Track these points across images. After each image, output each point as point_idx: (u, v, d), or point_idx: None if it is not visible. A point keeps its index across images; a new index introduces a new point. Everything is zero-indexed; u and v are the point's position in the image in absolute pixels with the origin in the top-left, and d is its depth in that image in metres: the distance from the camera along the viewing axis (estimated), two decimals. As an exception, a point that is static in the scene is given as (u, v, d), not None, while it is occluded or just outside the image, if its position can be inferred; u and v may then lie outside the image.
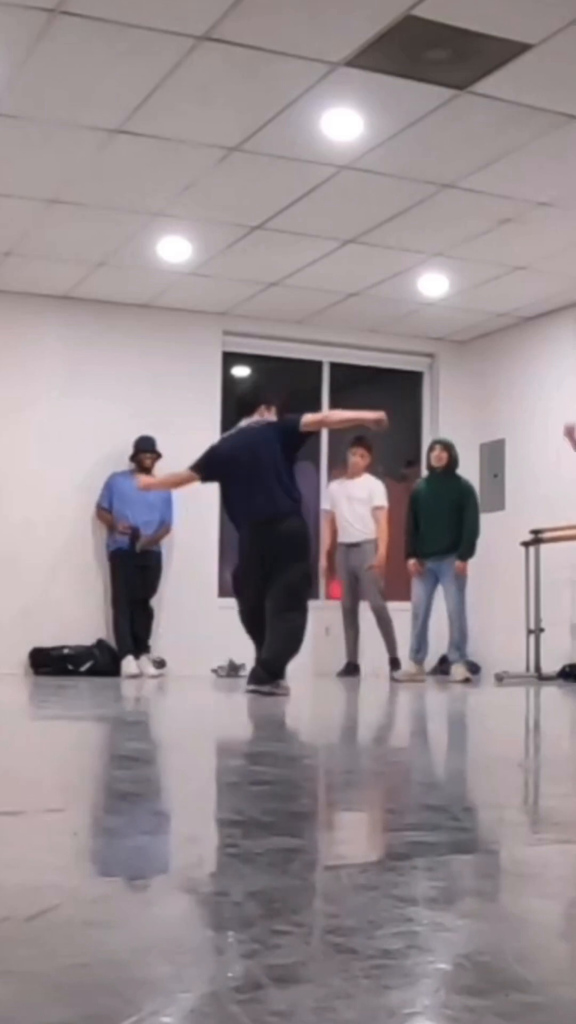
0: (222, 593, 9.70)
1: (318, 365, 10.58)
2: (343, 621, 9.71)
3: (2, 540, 9.27)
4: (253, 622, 6.81)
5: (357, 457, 9.79)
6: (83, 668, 9.16)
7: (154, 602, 9.53)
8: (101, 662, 9.23)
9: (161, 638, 9.51)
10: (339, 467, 10.35)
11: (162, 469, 9.49)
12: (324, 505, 10.01)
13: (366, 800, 2.92)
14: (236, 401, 7.51)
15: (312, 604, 9.96)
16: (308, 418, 6.98)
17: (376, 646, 9.63)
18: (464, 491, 9.06)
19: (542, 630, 9.17)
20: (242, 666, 8.75)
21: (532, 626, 9.23)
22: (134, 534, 9.34)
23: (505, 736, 4.97)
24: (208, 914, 1.62)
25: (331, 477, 10.39)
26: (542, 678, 9.00)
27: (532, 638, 9.20)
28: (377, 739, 5.09)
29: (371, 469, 9.80)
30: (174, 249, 8.46)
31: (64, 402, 9.56)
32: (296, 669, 6.85)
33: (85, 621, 9.39)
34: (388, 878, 1.81)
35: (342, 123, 6.37)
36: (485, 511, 10.52)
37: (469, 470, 10.61)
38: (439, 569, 8.97)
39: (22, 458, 9.41)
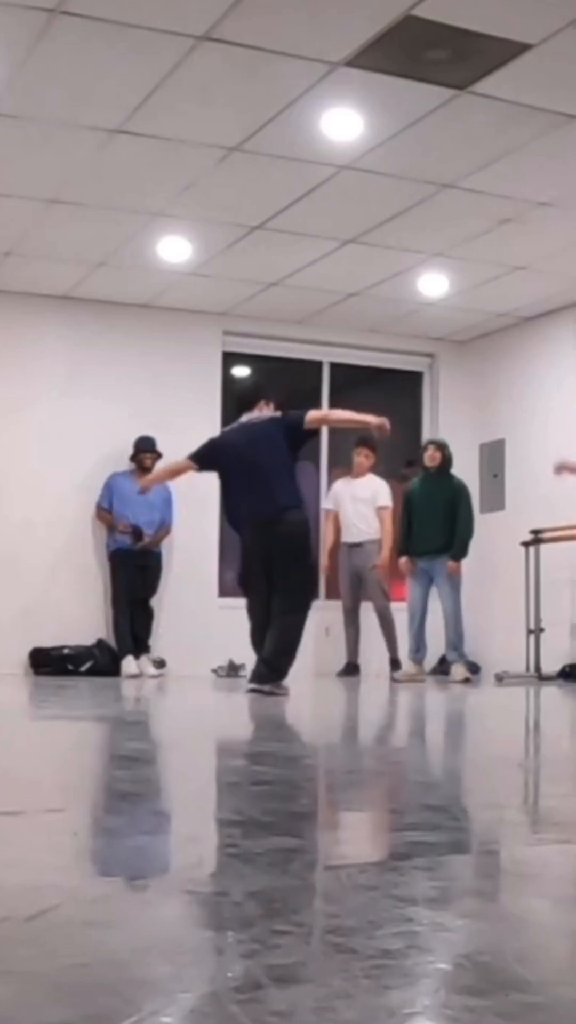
0: (222, 593, 9.71)
1: (318, 365, 10.58)
2: (344, 621, 9.71)
3: (2, 540, 9.27)
4: (263, 618, 6.76)
5: (362, 457, 9.80)
6: (83, 668, 9.16)
7: (154, 602, 9.53)
8: (101, 662, 9.23)
9: (161, 638, 9.51)
10: (339, 467, 10.35)
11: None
12: (327, 504, 10.01)
13: (366, 800, 2.92)
14: (236, 398, 7.51)
15: (312, 604, 9.99)
16: (313, 414, 6.99)
17: (376, 646, 9.64)
18: (457, 491, 9.05)
19: (542, 630, 9.17)
20: (242, 666, 8.75)
21: (532, 626, 9.24)
22: (135, 533, 9.34)
23: (505, 736, 4.97)
24: (208, 914, 1.62)
25: (331, 477, 10.39)
26: (542, 678, 9.01)
27: (532, 638, 9.20)
28: (377, 739, 5.09)
29: (375, 469, 9.80)
30: (174, 249, 8.46)
31: (64, 402, 9.57)
32: (296, 669, 6.84)
33: (85, 621, 9.39)
34: (388, 878, 1.81)
35: (342, 123, 6.37)
36: (485, 511, 10.53)
37: (469, 470, 10.62)
38: (432, 569, 8.96)
39: (22, 458, 9.41)
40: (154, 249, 8.45)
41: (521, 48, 5.51)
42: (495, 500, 10.54)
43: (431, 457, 9.13)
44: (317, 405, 10.41)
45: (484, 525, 10.46)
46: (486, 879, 1.94)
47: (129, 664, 9.16)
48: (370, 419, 7.04)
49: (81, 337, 9.65)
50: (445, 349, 10.91)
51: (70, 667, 9.14)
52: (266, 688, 6.52)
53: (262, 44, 5.52)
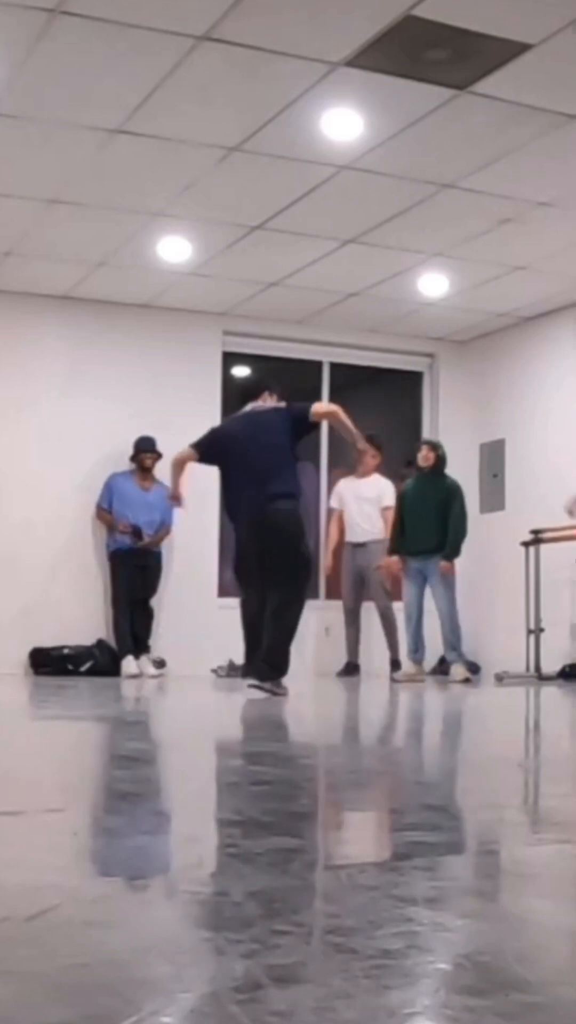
0: (222, 593, 9.70)
1: (318, 365, 10.58)
2: (344, 620, 9.71)
3: (2, 540, 9.28)
4: (257, 612, 6.75)
5: (367, 456, 9.80)
6: (83, 668, 9.16)
7: (154, 602, 9.53)
8: (101, 662, 9.23)
9: (161, 638, 9.52)
10: (339, 467, 10.36)
11: (162, 469, 9.50)
12: (332, 503, 10.00)
13: (366, 800, 2.92)
14: (239, 389, 7.44)
15: (312, 604, 9.99)
16: (319, 407, 6.95)
17: (377, 646, 9.64)
18: (451, 491, 9.04)
19: (542, 630, 9.17)
20: (242, 666, 8.75)
21: (532, 626, 9.24)
22: (134, 533, 9.34)
23: (505, 736, 4.97)
24: (208, 914, 1.62)
25: (331, 477, 10.39)
26: (542, 678, 9.01)
27: (532, 638, 9.20)
28: (377, 739, 5.09)
29: (380, 469, 9.80)
30: (174, 249, 8.46)
31: (64, 402, 9.57)
32: (296, 669, 6.84)
33: (85, 621, 9.39)
34: (388, 878, 1.81)
35: (342, 123, 6.37)
36: (485, 511, 10.54)
37: (469, 470, 10.63)
38: (426, 569, 8.95)
39: (22, 458, 9.41)
40: (154, 249, 8.45)
41: (521, 48, 5.51)
42: (495, 500, 10.54)
43: (425, 457, 9.12)
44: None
45: (484, 525, 10.46)
46: (486, 879, 1.94)
47: (129, 664, 9.16)
48: (356, 436, 7.03)
49: (81, 337, 9.65)
50: (445, 349, 10.91)
51: (70, 667, 9.15)
52: (267, 686, 6.51)
53: (262, 44, 5.52)
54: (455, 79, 5.84)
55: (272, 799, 2.73)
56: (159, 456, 9.45)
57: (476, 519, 10.45)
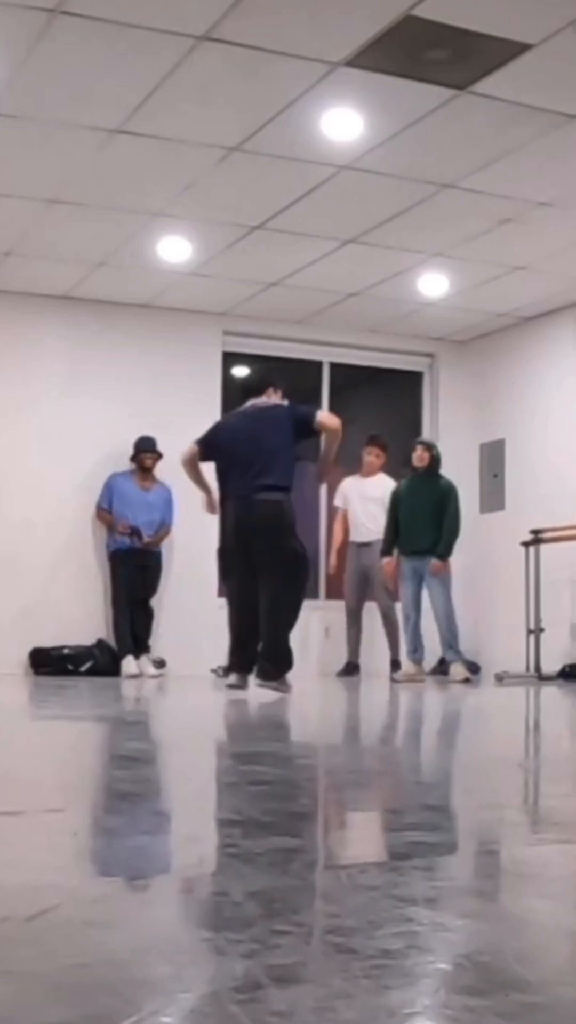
0: (222, 593, 9.68)
1: (318, 365, 10.58)
2: (346, 620, 9.70)
3: (2, 540, 9.28)
4: (242, 601, 6.71)
5: (372, 456, 9.81)
6: (83, 668, 9.16)
7: (154, 602, 9.53)
8: (101, 662, 9.23)
9: (161, 638, 9.52)
10: (339, 467, 10.34)
11: (162, 469, 9.50)
12: (337, 502, 10.00)
13: (366, 800, 2.92)
14: (241, 385, 7.36)
15: (312, 604, 9.99)
16: (324, 419, 6.82)
17: (377, 647, 9.64)
18: (446, 491, 9.03)
19: (542, 630, 9.17)
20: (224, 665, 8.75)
21: (532, 626, 9.24)
22: (133, 534, 9.35)
23: (505, 736, 4.97)
24: (208, 914, 1.62)
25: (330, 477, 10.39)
26: (542, 678, 9.01)
27: (532, 638, 9.20)
28: (377, 739, 5.09)
29: (385, 468, 9.79)
30: (174, 249, 8.46)
31: (64, 402, 9.57)
32: (296, 669, 6.84)
33: (85, 621, 9.39)
34: (388, 878, 1.81)
35: (342, 123, 6.37)
36: (485, 511, 10.54)
37: (469, 470, 10.63)
38: (422, 569, 8.95)
39: (22, 458, 9.42)
40: (154, 249, 8.45)
41: (521, 48, 5.51)
42: (495, 500, 10.54)
43: (420, 457, 9.12)
44: (317, 405, 10.42)
45: (484, 525, 10.47)
46: (486, 879, 1.94)
47: (129, 664, 9.16)
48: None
49: (81, 337, 9.65)
50: (445, 349, 10.91)
51: (70, 667, 9.15)
52: (271, 684, 6.53)
53: (262, 44, 5.52)
54: (455, 79, 5.84)
55: (272, 799, 2.73)
56: (159, 456, 9.46)
57: (476, 519, 10.46)
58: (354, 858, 2.13)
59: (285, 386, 7.09)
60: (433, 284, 9.22)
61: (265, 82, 5.90)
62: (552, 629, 9.20)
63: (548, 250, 8.38)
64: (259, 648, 6.66)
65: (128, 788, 2.93)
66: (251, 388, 7.04)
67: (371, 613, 9.71)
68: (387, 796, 2.96)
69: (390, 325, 10.35)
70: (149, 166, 6.94)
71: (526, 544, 9.46)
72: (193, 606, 9.64)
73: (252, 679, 6.72)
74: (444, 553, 8.89)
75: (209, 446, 6.89)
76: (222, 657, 9.25)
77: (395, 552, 9.16)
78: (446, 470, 9.64)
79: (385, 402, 11.49)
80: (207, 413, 9.78)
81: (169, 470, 9.42)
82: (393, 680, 9.01)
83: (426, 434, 10.61)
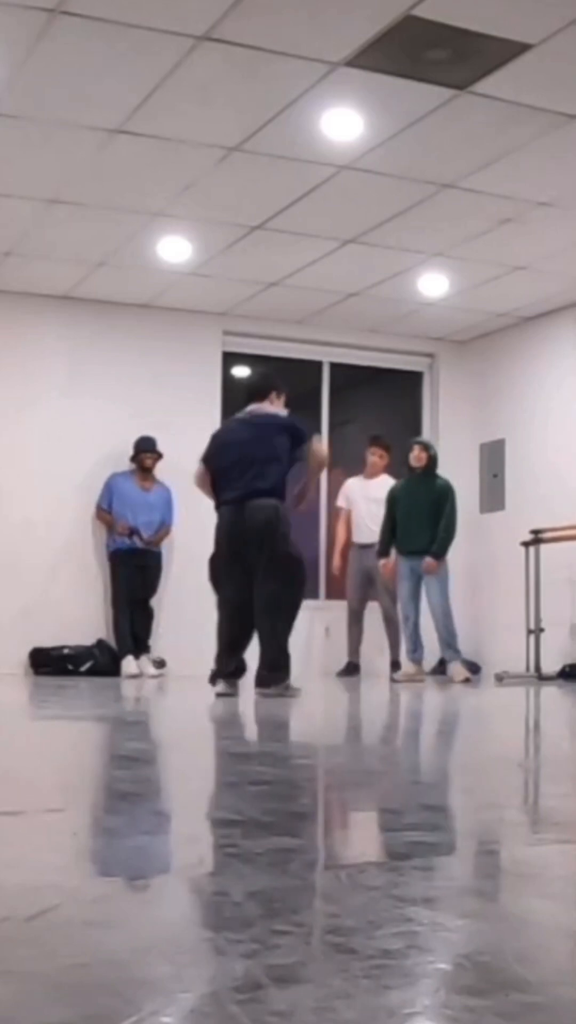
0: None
1: (318, 365, 10.58)
2: (348, 620, 9.70)
3: (2, 540, 9.28)
4: (233, 608, 6.70)
5: (376, 457, 9.81)
6: (83, 668, 9.16)
7: (154, 602, 9.53)
8: (101, 662, 9.23)
9: (161, 638, 9.52)
10: (339, 467, 10.35)
11: (162, 469, 9.51)
12: (340, 503, 10.00)
13: (366, 800, 2.92)
14: (245, 386, 7.28)
15: (312, 604, 10.00)
16: (315, 445, 6.77)
17: (378, 647, 9.64)
18: (443, 491, 9.03)
19: (542, 630, 9.18)
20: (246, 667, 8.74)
21: (532, 626, 9.24)
22: (132, 535, 9.35)
23: (505, 736, 4.97)
24: (208, 914, 1.62)
25: (330, 476, 10.39)
26: (542, 678, 9.01)
27: (532, 638, 9.20)
28: (377, 739, 5.09)
29: (389, 469, 9.78)
30: (174, 249, 8.46)
31: (64, 402, 9.57)
32: (296, 669, 6.84)
33: (85, 621, 9.39)
34: (388, 878, 1.81)
35: (342, 123, 6.37)
36: (485, 511, 10.54)
37: (469, 470, 10.63)
38: (419, 568, 8.95)
39: (22, 458, 9.42)
40: (154, 249, 8.45)
41: (521, 48, 5.51)
42: (495, 500, 10.54)
43: (417, 457, 9.12)
44: (317, 405, 10.44)
45: (484, 525, 10.47)
46: (486, 879, 1.94)
47: (129, 664, 9.16)
48: (301, 497, 6.88)
49: (81, 337, 9.65)
50: (445, 349, 10.91)
51: (70, 667, 9.15)
52: (271, 691, 6.49)
53: (262, 44, 5.52)
54: (455, 79, 5.84)
55: (272, 799, 2.73)
56: (159, 456, 9.47)
57: (476, 519, 10.47)
58: (354, 858, 2.13)
59: (288, 391, 7.08)
60: (433, 284, 9.22)
61: (265, 82, 5.91)
62: (552, 629, 9.20)
63: (548, 250, 8.38)
64: (259, 655, 6.64)
65: (128, 788, 2.93)
66: (254, 391, 7.00)
67: (372, 614, 9.71)
68: (387, 796, 2.96)
69: (390, 325, 10.35)
70: (149, 166, 6.94)
71: (526, 544, 9.46)
72: (193, 606, 9.61)
73: (254, 689, 6.68)
74: (439, 552, 8.89)
75: (212, 459, 6.90)
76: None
77: (392, 552, 9.16)
78: (446, 470, 9.63)
79: (385, 402, 11.49)
80: (207, 413, 9.80)
81: (169, 470, 9.44)
82: (393, 680, 9.01)
83: (426, 434, 10.61)
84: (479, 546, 10.41)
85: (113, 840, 2.18)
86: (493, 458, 10.62)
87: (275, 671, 6.56)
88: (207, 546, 6.92)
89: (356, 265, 8.74)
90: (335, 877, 1.87)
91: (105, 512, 9.48)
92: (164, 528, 9.55)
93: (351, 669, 9.61)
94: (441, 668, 9.38)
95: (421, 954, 1.38)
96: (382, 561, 9.17)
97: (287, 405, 7.02)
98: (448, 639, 8.92)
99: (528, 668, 9.17)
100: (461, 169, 6.95)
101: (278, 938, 1.41)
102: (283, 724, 5.41)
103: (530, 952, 1.42)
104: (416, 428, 10.85)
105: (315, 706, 6.73)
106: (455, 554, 9.30)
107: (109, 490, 9.50)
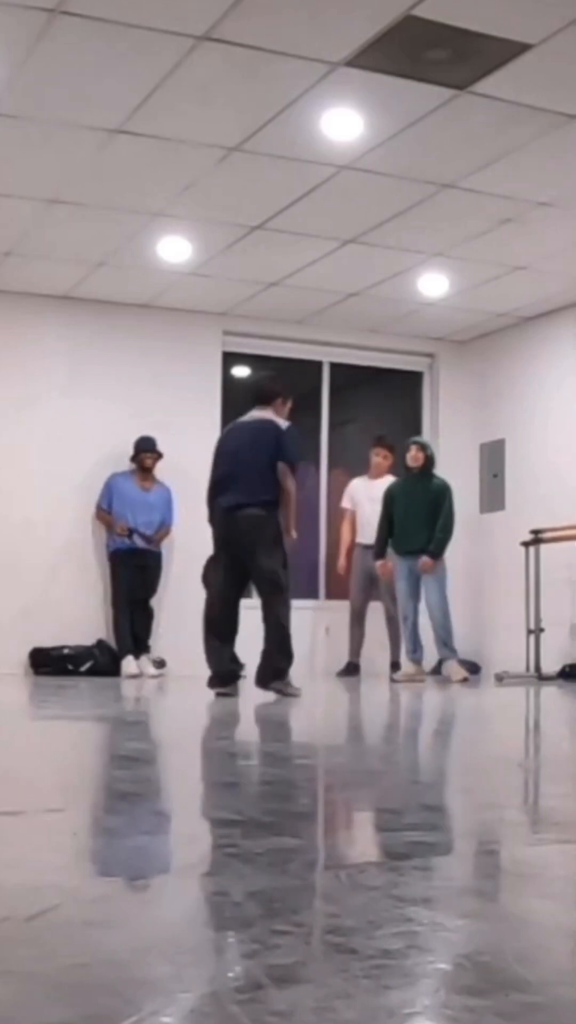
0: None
1: (318, 365, 10.58)
2: (350, 620, 9.69)
3: (2, 540, 9.28)
4: (219, 607, 6.76)
5: (380, 458, 9.80)
6: (83, 668, 9.16)
7: (154, 602, 9.53)
8: (101, 662, 9.23)
9: (161, 638, 9.51)
10: (339, 467, 10.35)
11: (162, 469, 9.51)
12: (344, 504, 9.99)
13: (366, 800, 2.92)
14: (253, 389, 7.20)
15: (312, 604, 9.99)
16: (283, 474, 6.68)
17: (377, 647, 9.64)
18: (440, 490, 9.03)
19: (542, 630, 9.17)
20: (243, 666, 8.74)
21: (532, 626, 9.24)
22: (132, 534, 9.35)
23: (505, 736, 4.97)
24: (208, 914, 1.62)
25: (331, 477, 10.39)
26: (542, 678, 9.01)
27: (532, 638, 9.20)
28: (377, 739, 5.09)
29: (393, 470, 9.78)
30: (174, 249, 8.46)
31: (64, 402, 9.57)
32: (296, 669, 6.84)
33: (85, 621, 9.39)
34: (388, 878, 1.81)
35: (342, 123, 6.36)
36: (485, 511, 10.54)
37: (469, 470, 10.63)
38: (417, 568, 8.95)
39: (22, 458, 9.41)
40: (154, 249, 8.45)
41: (521, 48, 5.51)
42: (495, 500, 10.54)
43: (414, 457, 9.11)
44: (317, 405, 10.43)
45: (484, 525, 10.47)
46: (486, 879, 1.94)
47: (129, 664, 9.16)
48: (290, 523, 6.76)
49: (81, 337, 9.65)
50: (445, 349, 10.91)
51: (70, 667, 9.15)
52: (273, 687, 6.54)
53: (262, 44, 5.52)
54: (455, 79, 5.84)
55: (272, 799, 2.73)
56: (159, 456, 9.47)
57: (476, 519, 10.46)
58: (354, 858, 2.13)
59: (293, 398, 7.07)
60: (433, 284, 9.22)
61: (265, 82, 5.90)
62: (552, 629, 9.20)
63: (548, 250, 8.38)
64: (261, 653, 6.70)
65: (128, 788, 2.94)
66: (260, 396, 6.99)
67: (374, 614, 9.70)
68: (387, 796, 2.96)
69: (390, 325, 10.35)
70: (149, 166, 6.94)
71: (526, 544, 9.46)
72: (193, 606, 9.58)
73: (255, 685, 6.71)
74: (436, 551, 8.89)
75: (213, 470, 6.98)
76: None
77: (389, 553, 9.16)
78: (447, 470, 9.63)
79: (385, 402, 11.49)
80: (207, 413, 9.80)
81: (169, 470, 9.44)
82: (393, 680, 9.00)
83: (426, 434, 10.61)
84: (479, 546, 10.41)
85: (113, 840, 2.18)
86: (493, 458, 10.62)
87: (275, 672, 6.59)
88: (207, 546, 6.93)
89: (356, 265, 8.74)
90: (335, 877, 1.87)
91: (105, 512, 9.48)
92: (164, 528, 9.55)
93: (351, 669, 9.61)
94: (440, 668, 9.38)
95: (421, 954, 1.38)
96: (379, 562, 9.17)
97: (292, 410, 7.05)
98: (445, 638, 8.92)
99: (528, 668, 9.17)
100: (461, 169, 6.95)
101: (278, 938, 1.41)
102: (283, 724, 5.41)
103: (530, 952, 1.42)
104: (416, 428, 10.84)
105: (315, 706, 6.73)
106: (455, 554, 9.30)
107: (109, 490, 9.50)
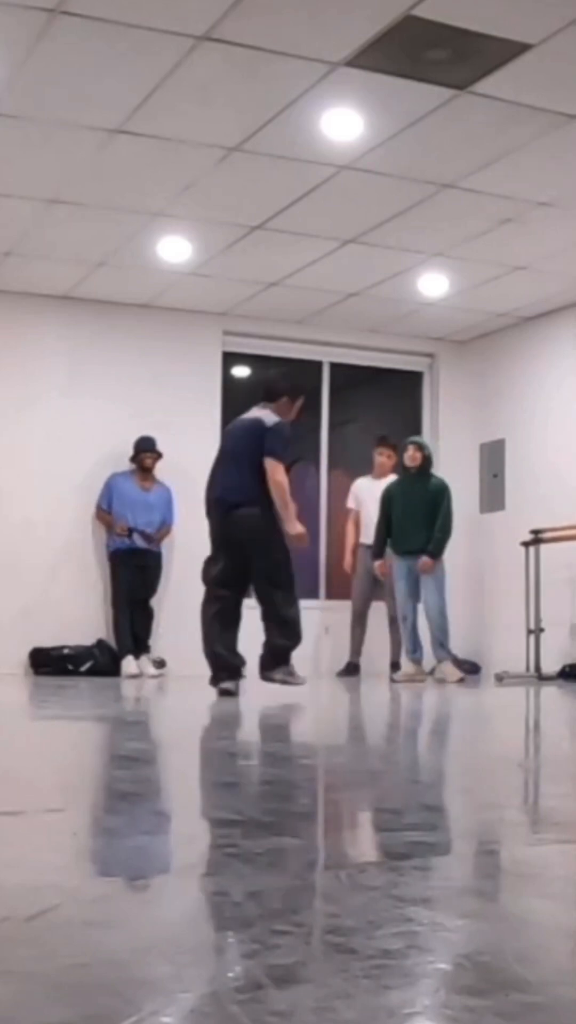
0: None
1: (318, 365, 10.58)
2: (351, 620, 9.68)
3: (2, 540, 9.28)
4: (219, 604, 6.74)
5: (384, 457, 9.79)
6: (83, 668, 9.16)
7: (154, 602, 9.53)
8: (101, 662, 9.23)
9: (161, 638, 9.51)
10: (338, 468, 10.35)
11: (162, 469, 9.51)
12: (349, 503, 9.98)
13: (366, 800, 2.92)
14: (264, 384, 7.12)
15: (313, 604, 9.98)
16: (269, 465, 6.60)
17: (377, 647, 9.63)
18: (438, 490, 9.03)
19: (542, 630, 9.17)
20: (244, 662, 8.75)
21: (532, 626, 9.24)
22: (132, 534, 9.35)
23: (505, 736, 4.97)
24: (208, 914, 1.62)
25: (330, 476, 10.39)
26: (542, 678, 9.00)
27: (532, 638, 9.20)
28: (377, 739, 5.09)
29: (396, 470, 9.78)
30: (174, 249, 8.46)
31: (64, 402, 9.57)
32: (296, 668, 6.84)
33: (85, 621, 9.39)
34: (388, 878, 1.81)
35: (342, 123, 6.36)
36: (485, 511, 10.54)
37: (469, 470, 10.63)
38: (416, 567, 8.94)
39: (22, 458, 9.41)
40: (154, 249, 8.45)
41: (521, 48, 5.51)
42: (495, 500, 10.54)
43: (411, 457, 9.11)
44: (318, 405, 10.43)
45: (484, 525, 10.47)
46: (486, 879, 1.94)
47: (129, 664, 9.16)
48: (291, 519, 6.62)
49: (81, 337, 9.65)
50: (445, 349, 10.91)
51: (70, 667, 9.14)
52: (277, 676, 6.55)
53: (262, 44, 5.52)
54: (455, 79, 5.84)
55: (272, 799, 2.73)
56: (159, 456, 9.46)
57: (476, 519, 10.46)
58: (354, 858, 2.13)
59: (300, 397, 7.05)
60: (433, 284, 9.22)
61: (265, 82, 5.90)
62: (552, 629, 9.20)
63: (548, 250, 8.38)
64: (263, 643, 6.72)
65: (128, 788, 2.94)
66: (264, 393, 6.95)
67: (375, 615, 9.69)
68: (387, 796, 2.96)
69: (390, 325, 10.35)
70: (149, 166, 6.94)
71: (526, 544, 9.46)
72: (193, 606, 9.59)
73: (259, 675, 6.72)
74: (435, 551, 8.89)
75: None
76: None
77: (388, 553, 9.15)
78: (447, 470, 9.63)
79: (385, 402, 11.49)
80: (207, 413, 9.81)
81: (169, 470, 9.44)
82: (393, 680, 9.00)
83: (426, 434, 10.61)
84: (479, 546, 10.41)
85: (113, 840, 2.18)
86: (493, 458, 10.62)
87: (276, 649, 6.61)
88: (207, 546, 6.92)
89: (356, 265, 8.74)
90: (335, 877, 1.87)
91: (105, 512, 9.48)
92: (165, 527, 9.56)
93: (351, 669, 9.61)
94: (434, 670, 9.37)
95: (421, 954, 1.38)
96: (377, 562, 9.17)
97: (300, 410, 7.04)
98: (441, 639, 8.91)
99: (528, 668, 9.17)
100: (461, 169, 6.95)
101: (278, 938, 1.41)
102: (283, 724, 5.41)
103: (530, 952, 1.42)
104: (416, 428, 10.84)
105: (315, 706, 6.73)
106: (455, 554, 9.30)
107: (109, 490, 9.50)
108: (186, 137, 6.55)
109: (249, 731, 5.17)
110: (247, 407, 7.10)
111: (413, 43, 5.46)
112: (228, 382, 10.15)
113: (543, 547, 9.34)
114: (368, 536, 9.62)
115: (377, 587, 9.57)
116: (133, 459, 9.50)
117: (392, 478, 9.65)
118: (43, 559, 9.37)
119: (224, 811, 2.63)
